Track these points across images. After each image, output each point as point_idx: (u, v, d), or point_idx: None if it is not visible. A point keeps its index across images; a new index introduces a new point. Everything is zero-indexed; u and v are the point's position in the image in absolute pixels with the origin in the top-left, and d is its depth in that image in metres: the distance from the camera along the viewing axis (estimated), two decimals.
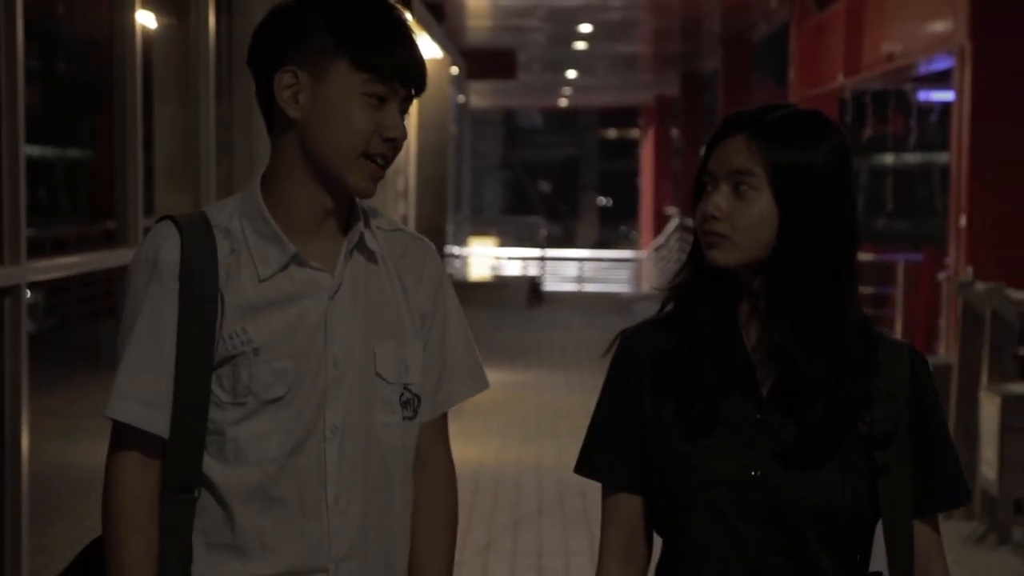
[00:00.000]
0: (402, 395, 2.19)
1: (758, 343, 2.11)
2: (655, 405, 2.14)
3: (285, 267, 2.13)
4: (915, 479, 2.11)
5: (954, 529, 7.18)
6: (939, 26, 10.35)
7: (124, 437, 2.11)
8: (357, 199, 2.19)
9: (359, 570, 2.15)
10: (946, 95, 12.61)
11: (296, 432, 2.12)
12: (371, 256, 2.19)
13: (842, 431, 2.06)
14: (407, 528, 2.23)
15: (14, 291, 4.19)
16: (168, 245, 2.11)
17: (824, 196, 2.07)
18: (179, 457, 2.10)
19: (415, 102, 2.26)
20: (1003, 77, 9.30)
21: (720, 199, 2.07)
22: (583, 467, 2.22)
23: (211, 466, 2.12)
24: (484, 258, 27.92)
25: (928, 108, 14.62)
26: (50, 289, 4.78)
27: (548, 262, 27.45)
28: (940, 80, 12.91)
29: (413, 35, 2.15)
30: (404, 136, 2.16)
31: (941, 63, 11.05)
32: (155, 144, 5.60)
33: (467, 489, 8.29)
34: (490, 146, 42.64)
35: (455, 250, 21.36)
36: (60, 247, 5.17)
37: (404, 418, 2.19)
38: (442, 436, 2.31)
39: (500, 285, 23.45)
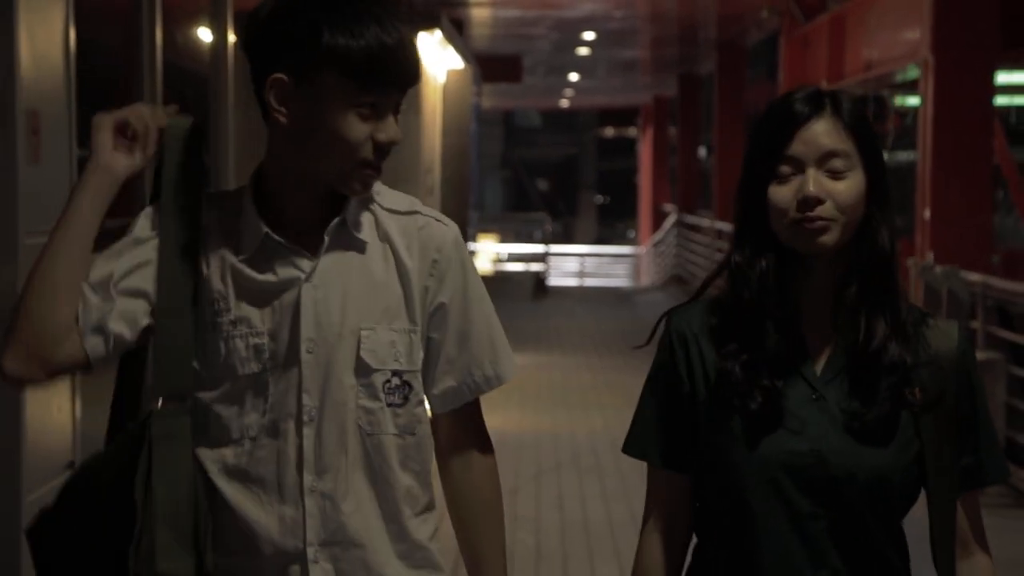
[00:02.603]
0: (388, 382, 2.11)
1: (816, 322, 2.09)
2: (709, 386, 2.10)
3: (264, 246, 2.09)
4: (963, 453, 2.10)
5: None
6: (907, 40, 11.21)
7: None
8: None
9: (341, 556, 2.09)
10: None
11: (273, 412, 2.08)
12: (359, 241, 2.12)
13: (897, 402, 2.04)
14: (402, 516, 2.14)
15: None
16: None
17: (887, 171, 2.10)
18: (168, 369, 2.07)
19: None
20: (961, 87, 10.17)
21: (819, 182, 2.02)
22: (629, 446, 2.20)
23: (200, 445, 2.09)
24: (490, 254, 28.66)
25: (906, 112, 15.44)
26: None
27: (551, 257, 27.91)
28: (915, 87, 13.80)
29: (405, 34, 2.06)
30: (398, 137, 2.08)
31: (914, 72, 11.99)
32: (231, 144, 6.50)
33: None
34: (490, 145, 42.58)
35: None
36: None
37: (389, 405, 2.11)
38: (473, 425, 2.24)
39: (506, 279, 24.20)
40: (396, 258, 2.14)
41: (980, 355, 8.15)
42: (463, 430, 2.23)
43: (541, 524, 7.36)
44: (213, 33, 6.39)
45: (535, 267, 25.41)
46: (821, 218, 2.01)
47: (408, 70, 2.07)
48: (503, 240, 30.39)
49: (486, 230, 30.27)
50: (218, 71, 6.38)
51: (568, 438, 9.76)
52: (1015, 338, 8.38)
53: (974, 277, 8.73)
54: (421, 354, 2.16)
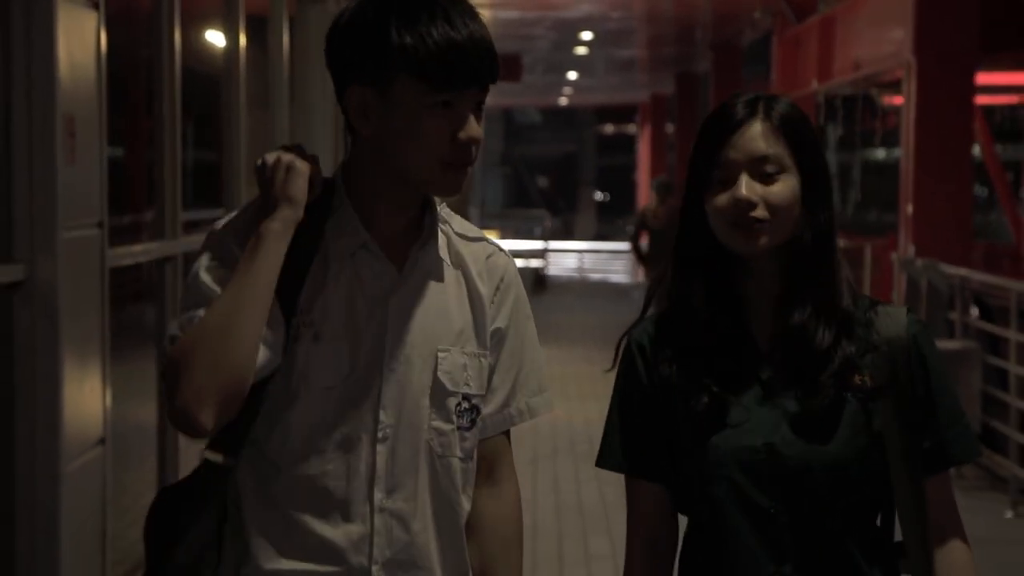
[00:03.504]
0: (460, 404, 2.10)
1: (763, 323, 2.12)
2: (673, 394, 2.12)
3: (355, 256, 2.07)
4: (924, 436, 2.09)
5: None
6: (891, 42, 11.53)
7: None
8: (436, 200, 2.15)
9: None
10: None
11: (346, 427, 2.04)
12: (440, 262, 2.12)
13: (843, 390, 2.06)
14: (461, 542, 2.13)
15: (174, 260, 5.45)
16: None
17: (828, 172, 2.13)
18: (243, 421, 2.01)
19: None
20: (941, 88, 10.49)
21: (751, 186, 2.06)
22: (602, 459, 2.21)
23: (259, 455, 2.06)
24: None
25: (894, 111, 15.70)
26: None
27: (551, 253, 27.99)
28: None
29: (476, 31, 2.04)
30: (479, 135, 2.05)
31: (900, 72, 12.32)
32: (243, 146, 6.75)
33: None
34: (490, 143, 42.47)
35: None
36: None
37: (459, 428, 2.10)
38: (508, 451, 2.22)
39: None
40: (468, 283, 2.15)
41: (957, 344, 8.47)
42: (502, 455, 2.21)
43: (538, 505, 7.72)
44: (225, 36, 6.63)
45: (535, 263, 25.62)
46: (756, 220, 2.05)
47: (481, 66, 2.04)
48: (503, 236, 30.42)
49: (486, 227, 30.50)
50: (230, 73, 6.63)
51: (565, 426, 10.08)
52: (993, 329, 8.68)
53: (954, 270, 9.06)
54: (487, 380, 2.16)
